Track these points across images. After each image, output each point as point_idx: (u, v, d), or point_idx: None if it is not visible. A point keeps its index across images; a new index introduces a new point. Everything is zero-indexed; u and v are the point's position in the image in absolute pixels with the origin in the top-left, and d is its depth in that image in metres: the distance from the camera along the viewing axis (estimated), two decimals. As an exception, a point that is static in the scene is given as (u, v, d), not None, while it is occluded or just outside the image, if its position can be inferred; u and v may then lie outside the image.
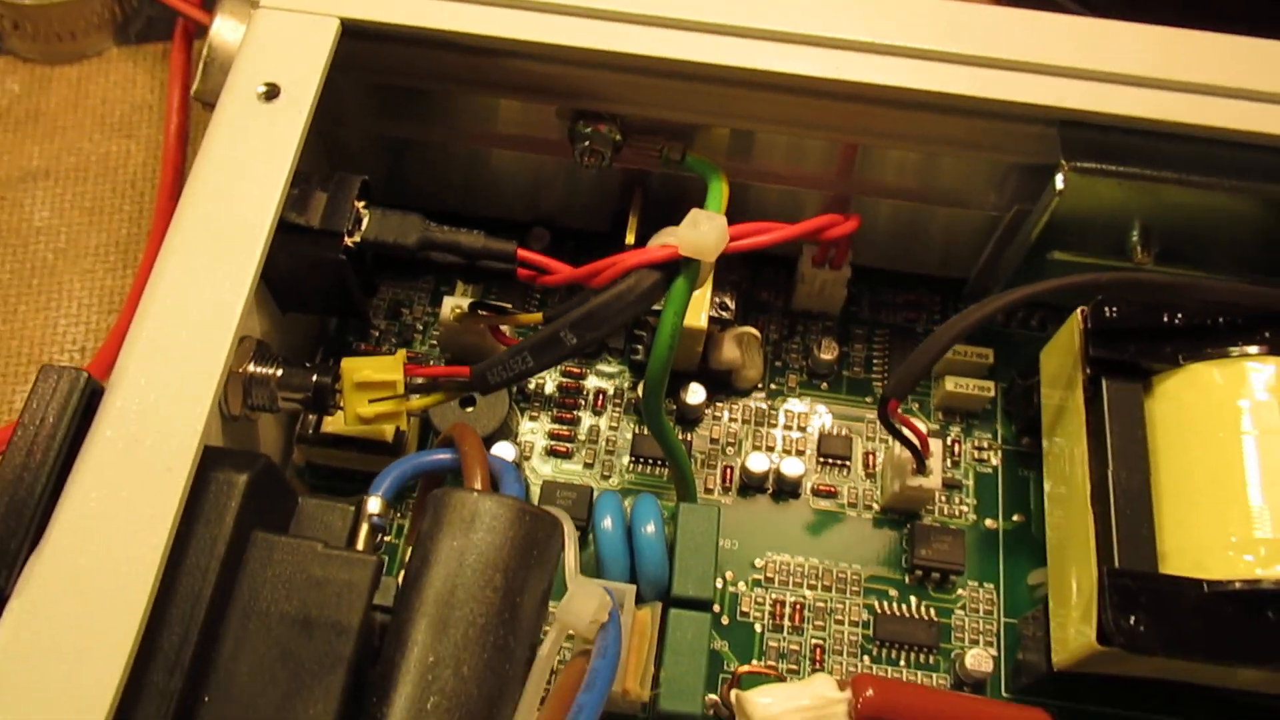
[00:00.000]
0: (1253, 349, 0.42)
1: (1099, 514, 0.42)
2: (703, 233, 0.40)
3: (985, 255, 0.52)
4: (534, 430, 0.52)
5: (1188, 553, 0.40)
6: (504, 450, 0.50)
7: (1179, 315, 0.44)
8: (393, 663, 0.35)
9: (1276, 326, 0.42)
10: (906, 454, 0.48)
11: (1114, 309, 0.44)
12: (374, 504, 0.39)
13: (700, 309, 0.49)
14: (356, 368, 0.45)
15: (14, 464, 0.35)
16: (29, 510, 0.34)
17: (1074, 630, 0.41)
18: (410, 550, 0.39)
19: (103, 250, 0.60)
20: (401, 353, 0.45)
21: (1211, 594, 0.38)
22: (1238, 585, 0.38)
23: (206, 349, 0.38)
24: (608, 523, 0.45)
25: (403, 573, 0.38)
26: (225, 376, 0.38)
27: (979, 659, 0.47)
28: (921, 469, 0.48)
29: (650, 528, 0.45)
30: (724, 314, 0.49)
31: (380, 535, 0.39)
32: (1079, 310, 0.45)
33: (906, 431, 0.46)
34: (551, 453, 0.52)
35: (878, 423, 0.52)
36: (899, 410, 0.44)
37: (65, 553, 0.33)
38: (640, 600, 0.45)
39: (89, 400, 0.36)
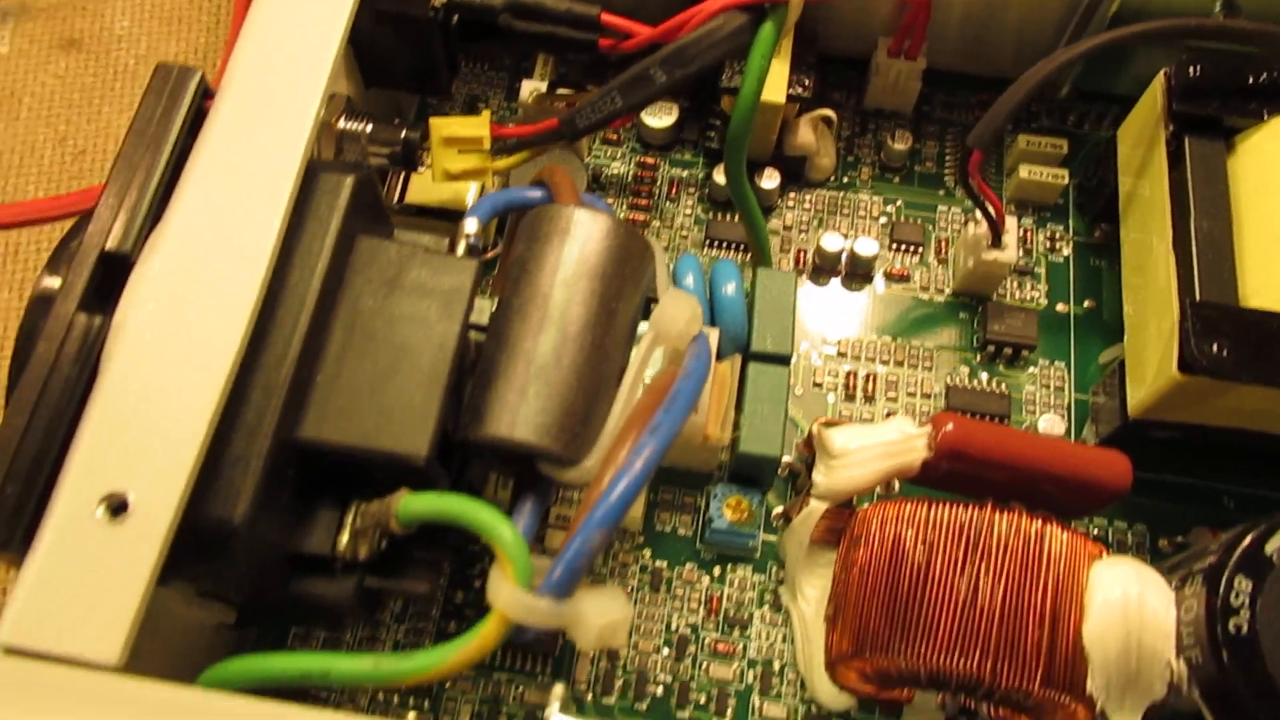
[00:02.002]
0: (1339, 96, 0.42)
1: (1181, 259, 0.42)
2: (793, -33, 0.41)
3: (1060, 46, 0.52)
4: (609, 217, 0.53)
5: (1270, 291, 0.40)
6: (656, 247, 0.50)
7: (1264, 74, 0.44)
8: (493, 359, 0.37)
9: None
10: (982, 230, 0.48)
11: (1198, 67, 0.44)
12: (471, 224, 0.40)
13: (780, 85, 0.49)
14: (444, 124, 0.45)
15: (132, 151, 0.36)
16: (149, 192, 0.35)
17: (1154, 370, 0.41)
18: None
19: (181, 57, 0.61)
20: (487, 112, 0.46)
21: (1295, 322, 0.39)
22: (1321, 313, 0.39)
23: (311, 67, 0.39)
24: (690, 280, 0.46)
25: (498, 297, 0.39)
26: (325, 97, 0.39)
27: (1051, 423, 0.47)
28: (997, 242, 0.48)
29: (730, 287, 0.46)
30: (802, 91, 0.50)
31: (475, 255, 0.40)
32: (1162, 71, 0.45)
33: (986, 202, 0.47)
34: (627, 236, 0.53)
35: (950, 212, 0.53)
36: (979, 170, 0.45)
37: (187, 233, 0.34)
38: (721, 355, 0.46)
39: (200, 103, 0.37)
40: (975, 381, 0.49)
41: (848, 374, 0.50)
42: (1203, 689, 0.34)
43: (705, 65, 0.42)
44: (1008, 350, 0.49)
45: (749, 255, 0.52)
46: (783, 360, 0.45)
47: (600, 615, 0.31)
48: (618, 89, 0.42)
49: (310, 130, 0.37)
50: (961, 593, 0.36)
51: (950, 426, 0.42)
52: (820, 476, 0.42)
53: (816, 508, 0.42)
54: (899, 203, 0.53)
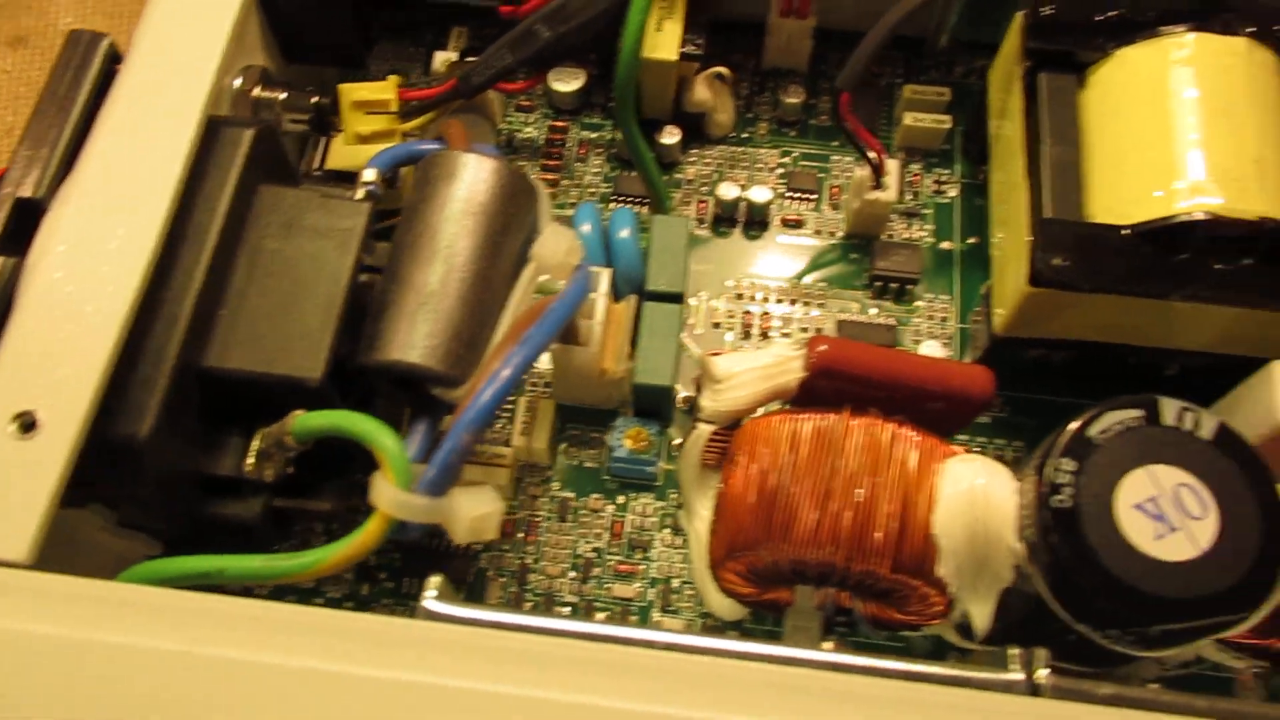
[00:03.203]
0: (1173, 28, 0.45)
1: (1033, 184, 0.45)
2: (660, -76, 0.44)
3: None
4: (522, 178, 0.56)
5: (1114, 207, 0.43)
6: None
7: (1110, 9, 0.47)
8: (386, 292, 0.40)
9: (1193, 5, 0.45)
10: (866, 172, 0.51)
11: (1050, 6, 0.47)
12: (369, 173, 0.43)
13: (673, 44, 0.53)
14: (353, 89, 0.49)
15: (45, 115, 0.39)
16: (60, 146, 0.38)
17: (1010, 286, 0.45)
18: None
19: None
20: (394, 76, 0.49)
21: (1133, 234, 0.42)
22: (1155, 223, 0.42)
23: (210, 32, 0.42)
24: (585, 227, 0.49)
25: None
26: (224, 57, 0.42)
27: (931, 349, 0.50)
28: (878, 182, 0.51)
29: (625, 232, 0.49)
30: (694, 49, 0.53)
31: (374, 201, 0.43)
32: (1020, 13, 0.48)
33: (863, 143, 0.50)
34: (538, 195, 0.56)
35: (843, 161, 0.56)
36: (850, 111, 0.48)
37: (95, 181, 0.38)
38: (618, 296, 0.49)
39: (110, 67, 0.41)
40: (865, 316, 0.52)
41: (745, 314, 0.53)
42: (1037, 565, 0.36)
43: (587, 20, 0.45)
44: (894, 285, 0.52)
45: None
46: (676, 299, 0.48)
47: (471, 509, 0.34)
48: (506, 45, 0.46)
49: (208, 87, 0.40)
50: (818, 491, 0.39)
51: (823, 347, 0.45)
52: (706, 400, 0.45)
53: (704, 430, 0.45)
54: (795, 154, 0.57)
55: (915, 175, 0.56)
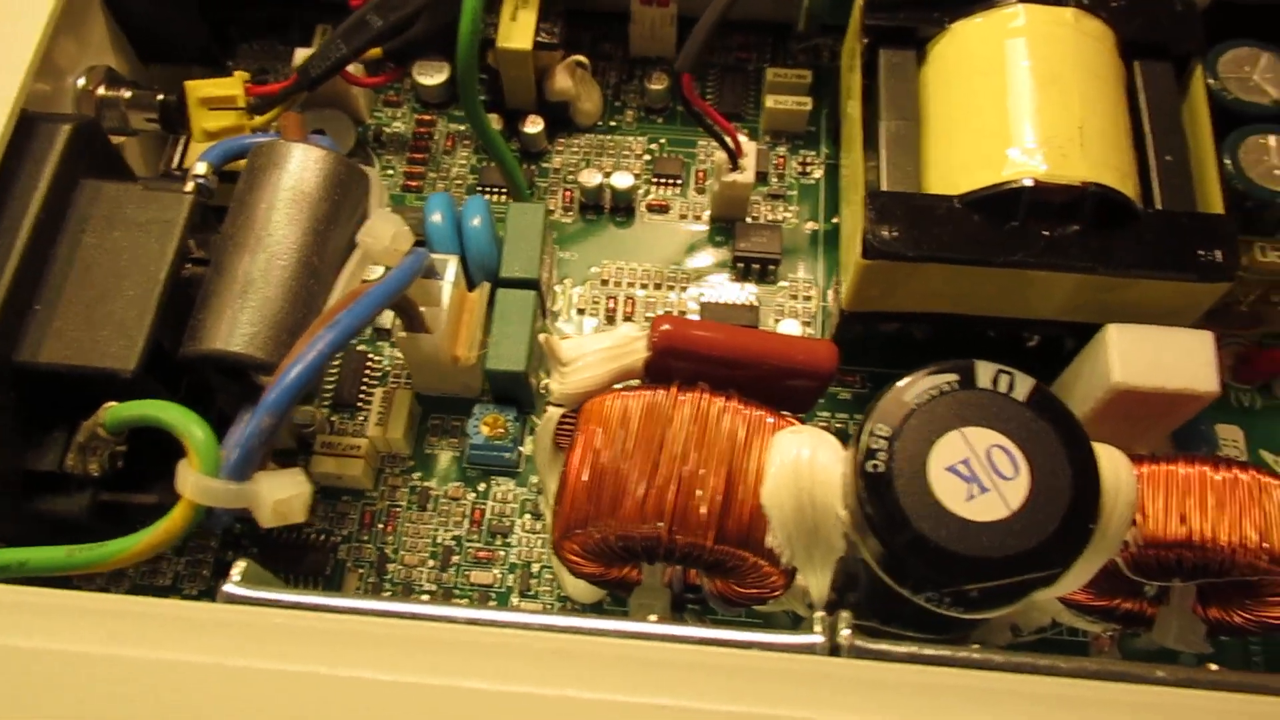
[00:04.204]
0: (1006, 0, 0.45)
1: (869, 158, 0.45)
2: (486, -91, 0.44)
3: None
4: (391, 172, 0.56)
5: (948, 178, 0.44)
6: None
7: (948, -15, 0.47)
8: (210, 283, 0.39)
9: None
10: (725, 155, 0.52)
11: (889, -15, 0.48)
12: (200, 166, 0.43)
13: (527, 33, 0.53)
14: (199, 86, 0.48)
15: None
16: None
17: (850, 260, 0.45)
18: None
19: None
20: (240, 73, 0.49)
21: (962, 204, 0.42)
22: (983, 191, 0.42)
23: (20, 31, 0.42)
24: (436, 217, 0.49)
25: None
26: (37, 57, 0.42)
27: (789, 328, 0.51)
28: (735, 165, 0.52)
29: (477, 220, 0.49)
30: (548, 38, 0.53)
31: (204, 195, 0.43)
32: (862, -8, 0.48)
33: (715, 126, 0.50)
34: (405, 188, 0.56)
35: (709, 146, 0.56)
36: (694, 92, 0.48)
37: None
38: (472, 284, 0.49)
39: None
40: (729, 297, 0.53)
41: (609, 299, 0.53)
42: (858, 532, 0.37)
43: (418, 8, 0.45)
44: (756, 266, 0.53)
45: (520, 197, 0.55)
46: (530, 285, 0.48)
47: (275, 492, 0.34)
48: (340, 36, 0.46)
49: (19, 84, 0.40)
50: (646, 465, 0.39)
51: (666, 326, 0.45)
52: (554, 383, 0.45)
53: (554, 413, 0.45)
54: (663, 140, 0.57)
55: (781, 158, 0.56)
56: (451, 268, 0.46)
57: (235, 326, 0.38)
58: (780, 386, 0.46)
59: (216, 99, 0.48)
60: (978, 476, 0.36)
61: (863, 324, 0.48)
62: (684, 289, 0.53)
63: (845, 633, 0.34)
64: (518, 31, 0.52)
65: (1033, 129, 0.43)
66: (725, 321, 0.52)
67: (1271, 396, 0.51)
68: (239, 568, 0.33)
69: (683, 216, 0.55)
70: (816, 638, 0.33)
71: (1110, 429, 0.45)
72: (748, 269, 0.53)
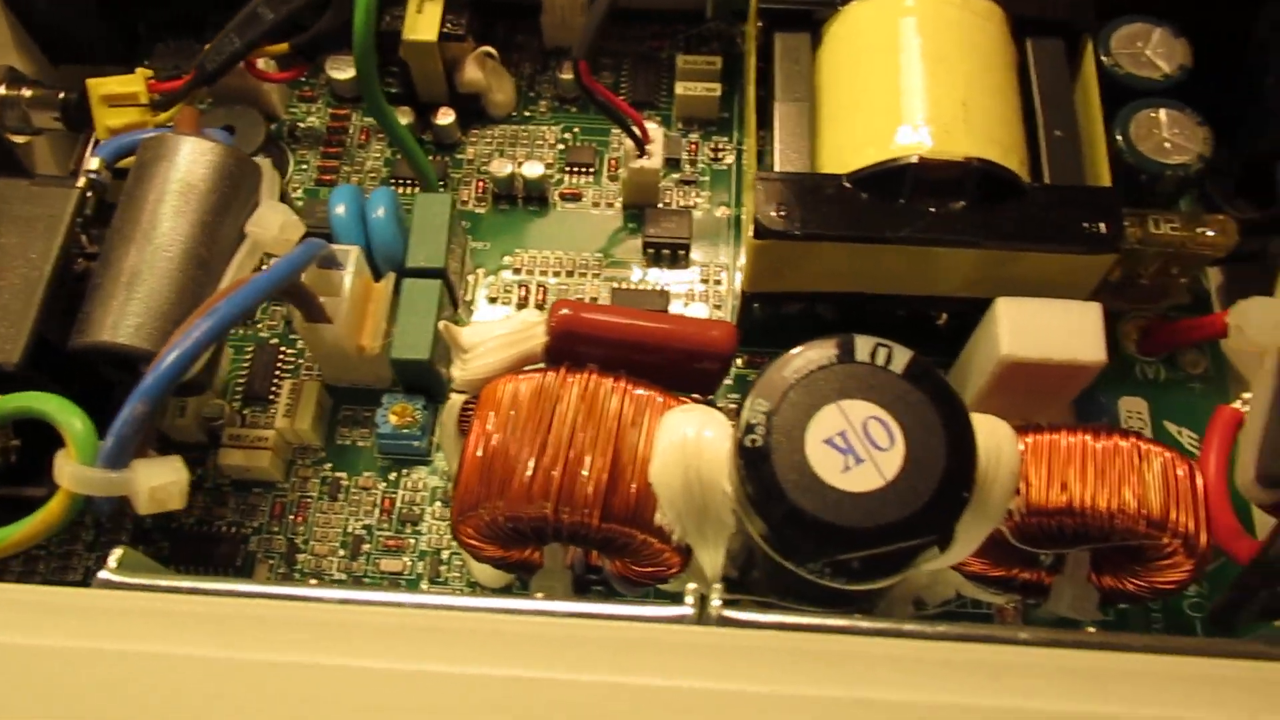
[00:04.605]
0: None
1: (765, 141, 0.46)
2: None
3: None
4: (305, 166, 0.56)
5: (839, 157, 0.44)
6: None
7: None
8: (98, 276, 0.40)
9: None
10: (632, 143, 0.52)
11: (782, -33, 0.48)
12: (93, 162, 0.43)
13: (432, 25, 0.53)
14: (101, 83, 0.49)
15: None
16: None
17: (747, 241, 0.45)
18: (127, 203, 0.43)
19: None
20: (142, 70, 0.49)
21: (850, 182, 0.43)
22: (870, 169, 0.42)
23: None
24: (339, 209, 0.49)
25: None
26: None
27: (698, 311, 0.51)
28: (642, 151, 0.52)
29: (380, 211, 0.49)
30: (455, 29, 0.53)
31: (98, 190, 0.43)
32: (757, -25, 0.49)
33: (618, 114, 0.50)
34: (320, 182, 0.56)
35: (622, 134, 0.57)
36: (591, 75, 0.48)
37: None
38: (378, 275, 0.49)
39: None
40: (641, 283, 0.53)
41: (521, 288, 0.53)
42: (740, 506, 0.37)
43: (313, 0, 0.45)
44: (667, 251, 0.53)
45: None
46: (436, 274, 0.49)
47: (151, 480, 0.34)
48: (233, 29, 0.46)
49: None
50: (534, 446, 0.39)
51: (565, 311, 0.45)
52: (456, 370, 0.45)
53: (457, 400, 0.45)
54: (576, 130, 0.57)
55: (693, 144, 0.57)
56: (353, 258, 0.46)
57: (122, 318, 0.38)
58: (684, 369, 0.47)
59: (119, 96, 0.48)
60: (854, 448, 0.36)
61: (766, 305, 0.49)
62: (597, 275, 0.53)
63: (716, 603, 0.34)
64: (424, 24, 0.53)
65: (919, 107, 0.43)
66: (636, 307, 0.52)
67: (1176, 369, 0.51)
68: (115, 555, 0.34)
69: (595, 204, 0.55)
70: (686, 609, 0.33)
71: (1008, 401, 0.46)
72: (658, 254, 0.53)
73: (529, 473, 0.39)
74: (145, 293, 0.39)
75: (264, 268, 0.42)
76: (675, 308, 0.52)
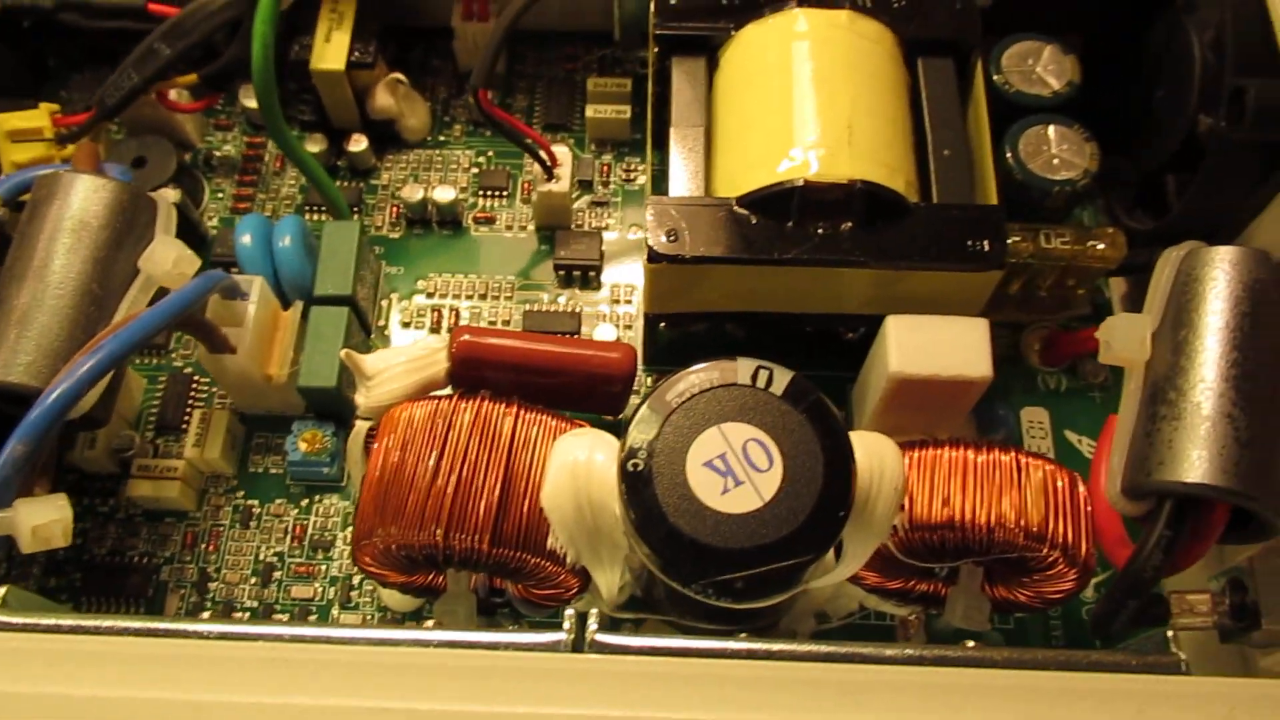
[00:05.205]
0: (787, 5, 0.47)
1: (658, 162, 0.46)
2: (266, -64, 0.45)
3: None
4: (221, 195, 0.57)
5: (732, 181, 0.45)
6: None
7: (735, -7, 0.48)
8: (-12, 318, 0.40)
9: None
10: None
11: (679, -6, 0.49)
12: (-12, 201, 0.44)
13: (340, 53, 0.53)
14: (4, 119, 0.49)
15: None
16: None
17: (644, 265, 0.46)
18: (24, 240, 0.43)
19: None
20: (46, 105, 0.49)
21: (741, 205, 0.43)
22: (758, 192, 0.43)
23: None
24: (245, 238, 0.49)
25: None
26: None
27: (605, 332, 0.52)
28: (550, 175, 0.53)
29: (286, 240, 0.50)
30: (362, 57, 0.54)
31: (-5, 228, 0.43)
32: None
33: (522, 139, 0.51)
34: (235, 210, 0.56)
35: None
36: (490, 102, 0.49)
37: None
38: (286, 303, 0.49)
39: None
40: (553, 305, 0.54)
41: (434, 312, 0.53)
42: (626, 528, 0.38)
43: (206, 35, 0.46)
44: (578, 273, 0.54)
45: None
46: (344, 302, 0.49)
47: (33, 519, 0.35)
48: (131, 65, 0.46)
49: None
50: (426, 473, 0.39)
51: (465, 336, 0.46)
52: (359, 397, 0.46)
53: (361, 426, 0.46)
54: (490, 153, 0.58)
55: (605, 165, 0.57)
56: (257, 287, 0.47)
57: (14, 356, 0.39)
58: (589, 391, 0.48)
59: (23, 131, 0.49)
60: (733, 470, 0.37)
61: (671, 325, 0.49)
62: (509, 298, 0.54)
63: (592, 627, 0.34)
64: (331, 52, 0.53)
65: (806, 130, 0.44)
66: (547, 329, 0.53)
67: (1077, 378, 0.52)
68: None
69: (509, 227, 0.56)
70: (560, 635, 0.34)
71: (905, 415, 0.47)
72: (569, 276, 0.54)
73: (419, 499, 0.39)
74: (37, 330, 0.39)
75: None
76: (587, 330, 0.53)
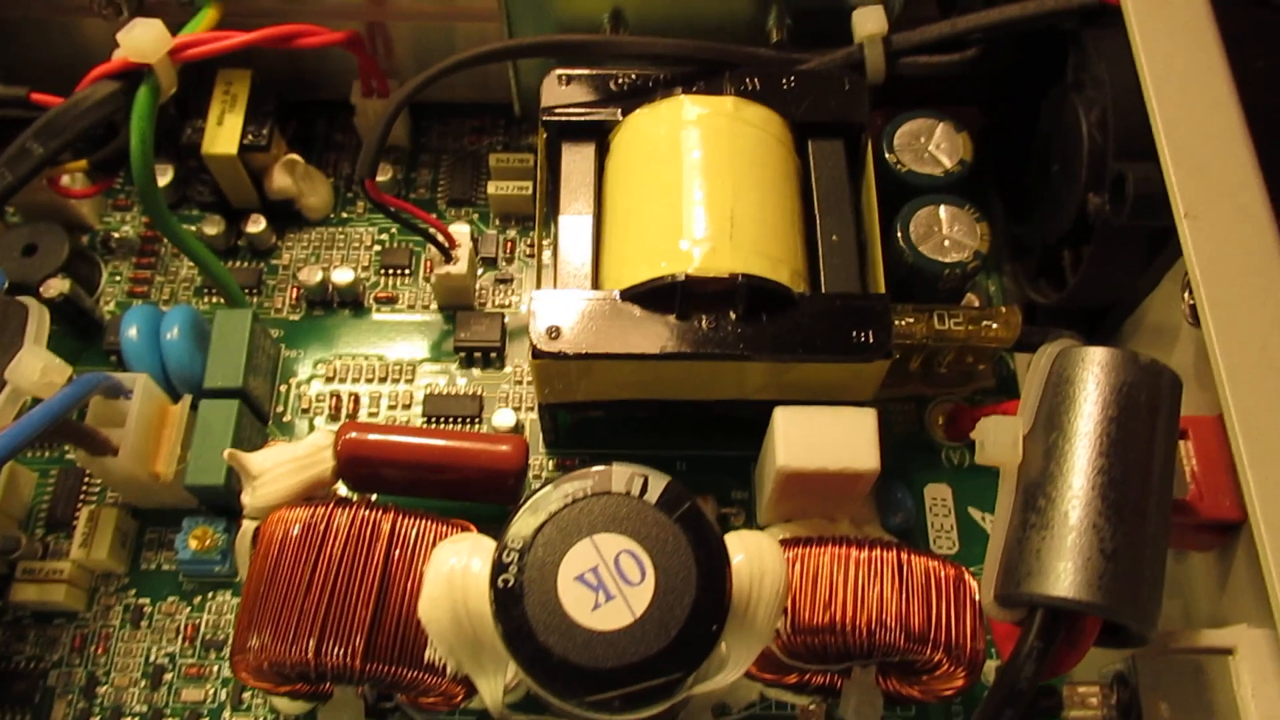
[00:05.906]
0: (673, 91, 0.46)
1: (542, 253, 0.46)
2: (136, 36, 0.44)
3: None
4: (118, 278, 0.56)
5: (619, 273, 0.44)
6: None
7: (623, 80, 0.48)
8: None
9: (692, 73, 0.47)
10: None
11: (567, 78, 0.48)
12: None
13: (232, 137, 0.53)
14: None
15: None
16: None
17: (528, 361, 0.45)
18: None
19: None
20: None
21: (624, 298, 0.43)
22: (640, 286, 0.43)
23: None
24: (131, 332, 0.49)
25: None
26: None
27: (504, 417, 0.51)
28: (448, 257, 0.52)
29: (172, 332, 0.49)
30: (255, 139, 0.53)
31: None
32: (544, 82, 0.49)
33: (417, 223, 0.50)
34: (132, 294, 0.55)
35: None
36: (379, 191, 0.48)
37: None
38: (176, 397, 0.49)
39: None
40: (454, 388, 0.53)
41: (333, 397, 0.53)
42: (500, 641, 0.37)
43: (79, 133, 0.45)
44: (479, 354, 0.53)
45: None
46: (234, 394, 0.48)
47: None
48: (4, 164, 0.45)
49: None
50: (297, 585, 0.39)
51: (352, 434, 0.45)
52: (246, 497, 0.45)
53: (248, 526, 0.45)
54: (393, 230, 0.57)
55: (510, 241, 0.57)
56: (140, 386, 0.46)
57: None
58: (482, 483, 0.47)
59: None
60: (605, 584, 0.36)
61: (569, 413, 0.49)
62: (410, 381, 0.53)
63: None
64: (223, 136, 0.53)
65: (690, 222, 0.43)
66: (447, 413, 0.52)
67: (980, 453, 0.52)
68: None
69: (411, 307, 0.55)
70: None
71: (800, 503, 0.46)
72: (470, 357, 0.53)
73: (291, 617, 0.38)
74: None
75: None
76: (489, 411, 0.52)
